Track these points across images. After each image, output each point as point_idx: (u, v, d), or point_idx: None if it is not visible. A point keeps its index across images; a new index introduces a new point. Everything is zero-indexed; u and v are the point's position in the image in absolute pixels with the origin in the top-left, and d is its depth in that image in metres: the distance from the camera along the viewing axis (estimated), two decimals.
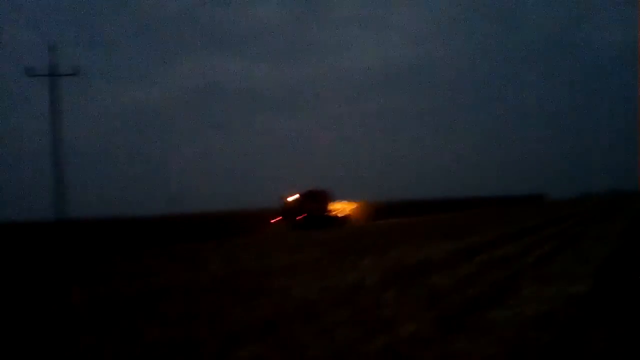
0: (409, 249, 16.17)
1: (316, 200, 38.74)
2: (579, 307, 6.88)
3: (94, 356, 5.72)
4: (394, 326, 6.10)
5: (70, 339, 6.61)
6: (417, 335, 5.67)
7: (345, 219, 40.30)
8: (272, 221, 37.64)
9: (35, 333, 7.12)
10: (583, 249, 14.55)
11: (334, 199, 40.42)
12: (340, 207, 40.99)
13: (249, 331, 6.39)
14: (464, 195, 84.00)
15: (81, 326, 7.51)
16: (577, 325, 5.87)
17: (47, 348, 6.23)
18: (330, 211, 39.64)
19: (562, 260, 12.15)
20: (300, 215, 37.35)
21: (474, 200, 77.94)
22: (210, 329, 6.62)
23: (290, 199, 38.64)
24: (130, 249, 23.61)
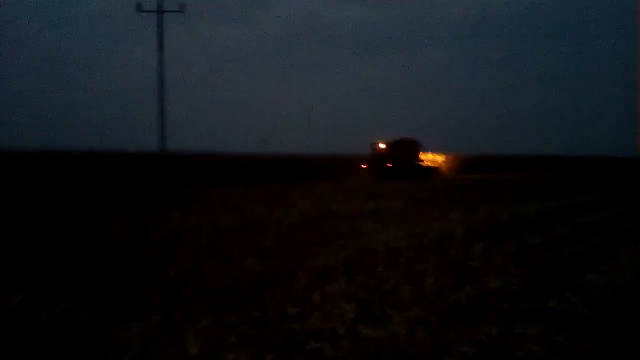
0: (500, 205, 15.78)
1: (406, 149, 38.32)
2: None
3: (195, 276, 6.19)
4: (482, 278, 6.09)
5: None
6: (506, 289, 5.64)
7: (434, 170, 39.68)
8: (362, 166, 37.83)
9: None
10: None
11: (423, 149, 39.83)
12: (430, 158, 40.38)
13: (336, 270, 6.62)
14: (560, 153, 79.60)
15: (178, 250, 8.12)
16: None
17: None
18: (419, 161, 39.16)
19: None
20: (389, 163, 37.21)
21: (568, 159, 73.87)
22: (300, 265, 6.92)
23: (380, 146, 38.48)
24: (224, 184, 24.71)
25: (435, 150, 41.73)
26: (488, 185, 26.71)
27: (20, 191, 20.35)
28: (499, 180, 32.86)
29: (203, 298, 5.29)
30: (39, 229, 10.65)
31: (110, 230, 10.25)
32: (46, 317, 4.68)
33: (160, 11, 22.05)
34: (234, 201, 17.82)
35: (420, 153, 39.45)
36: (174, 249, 8.31)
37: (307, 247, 8.60)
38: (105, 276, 6.28)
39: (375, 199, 17.93)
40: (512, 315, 4.71)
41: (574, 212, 14.06)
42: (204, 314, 4.70)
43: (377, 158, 38.06)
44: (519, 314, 4.76)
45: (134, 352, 3.72)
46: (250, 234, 10.26)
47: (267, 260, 7.34)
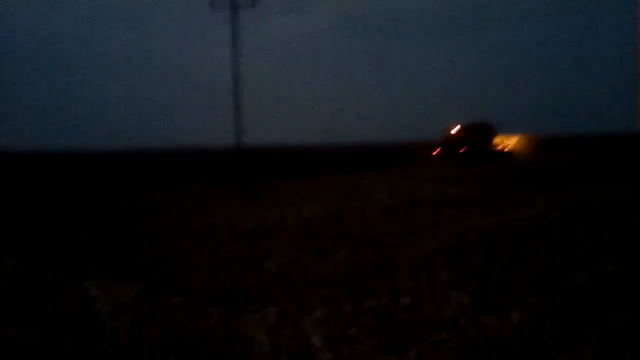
0: (585, 187, 15.09)
1: (479, 133, 37.31)
2: None
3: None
4: (592, 263, 5.84)
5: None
6: (622, 274, 5.38)
7: (509, 153, 38.44)
8: (434, 153, 37.23)
9: None
10: None
11: (497, 132, 38.60)
12: (504, 141, 39.08)
13: (435, 258, 6.53)
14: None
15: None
16: None
17: None
18: (493, 145, 38.05)
19: None
20: (463, 148, 36.40)
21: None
22: (396, 254, 6.89)
23: (453, 131, 37.66)
24: (297, 175, 25.01)
25: (509, 132, 40.30)
26: (567, 167, 25.62)
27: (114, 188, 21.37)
28: (578, 161, 31.45)
29: (310, 289, 5.35)
30: (134, 224, 11.15)
31: (200, 224, 10.59)
32: (164, 311, 4.85)
33: (233, 7, 22.45)
34: (311, 192, 17.96)
35: (494, 136, 38.29)
36: (267, 241, 8.47)
37: (395, 236, 8.54)
38: (210, 270, 6.48)
39: (454, 185, 17.57)
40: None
41: None
42: (316, 305, 4.74)
43: (451, 143, 37.35)
44: None
45: (262, 345, 3.80)
46: (335, 224, 10.30)
47: (359, 251, 7.35)
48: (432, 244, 7.51)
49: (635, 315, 4.16)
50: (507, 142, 39.43)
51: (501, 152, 38.06)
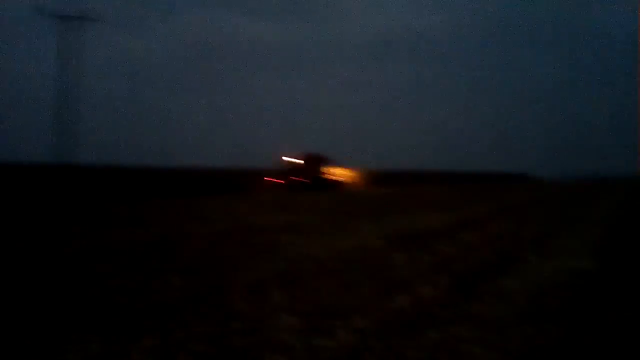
0: (407, 217, 16.47)
1: (313, 163, 39.03)
2: None
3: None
4: (409, 286, 6.38)
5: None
6: (437, 297, 5.96)
7: (341, 184, 40.63)
8: (267, 180, 37.87)
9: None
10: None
11: (331, 163, 40.67)
12: (337, 173, 41.27)
13: (270, 283, 6.64)
14: (455, 169, 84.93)
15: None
16: None
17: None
18: (327, 175, 39.94)
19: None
20: (298, 176, 37.67)
21: (462, 175, 78.79)
22: (231, 279, 6.87)
23: (287, 160, 38.85)
24: (134, 198, 23.73)
25: (342, 164, 42.67)
26: (395, 199, 27.73)
27: None
28: (405, 194, 34.26)
29: (139, 316, 5.11)
30: None
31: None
32: None
33: (61, 17, 20.89)
34: (143, 215, 17.19)
35: (328, 167, 40.25)
36: (94, 265, 7.92)
37: (232, 261, 8.53)
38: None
39: (288, 212, 18.06)
40: (449, 320, 5.00)
41: (476, 223, 15.01)
42: (145, 333, 4.55)
43: (286, 172, 38.40)
44: (452, 319, 5.05)
45: None
46: (167, 250, 9.98)
47: (193, 276, 7.21)
48: (267, 270, 7.63)
49: (447, 332, 4.64)
50: (341, 173, 41.75)
51: (334, 182, 40.10)
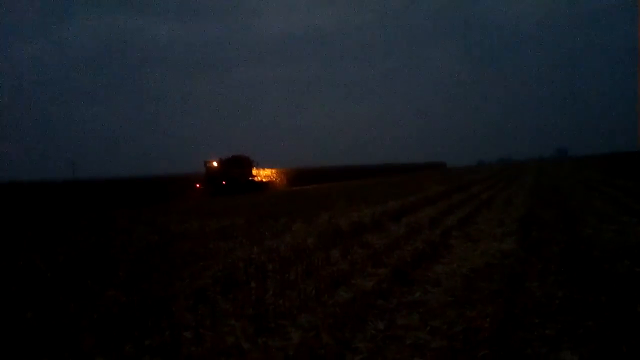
0: (335, 213, 16.76)
1: (239, 165, 39.01)
2: None
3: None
4: (350, 280, 6.59)
5: None
6: (377, 288, 6.19)
7: (266, 184, 41.05)
8: (197, 186, 37.57)
9: None
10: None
11: (255, 164, 40.80)
12: (261, 173, 41.56)
13: (211, 290, 6.64)
14: (372, 162, 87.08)
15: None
16: None
17: None
18: (252, 176, 40.11)
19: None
20: (224, 180, 37.49)
21: (381, 167, 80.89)
22: (169, 289, 6.79)
23: (213, 164, 38.52)
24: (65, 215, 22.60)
25: (265, 165, 42.93)
26: (321, 195, 28.07)
27: None
28: (327, 190, 34.70)
29: (82, 334, 4.98)
30: None
31: None
32: None
33: None
34: (63, 231, 16.44)
35: (253, 169, 40.39)
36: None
37: (166, 271, 8.40)
38: None
39: (217, 218, 17.87)
40: (390, 310, 5.23)
41: (401, 214, 15.53)
42: (93, 351, 4.46)
43: (212, 176, 38.13)
44: (394, 309, 5.30)
45: None
46: (99, 263, 9.67)
47: (129, 289, 7.05)
48: (206, 276, 7.59)
49: (393, 321, 4.86)
50: (265, 173, 42.06)
51: (260, 183, 40.34)
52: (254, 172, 40.62)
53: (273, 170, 44.50)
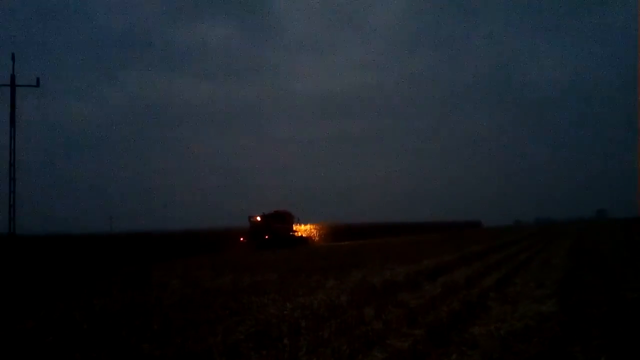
0: (370, 270, 16.58)
1: (281, 220, 39.88)
2: None
3: None
4: (385, 340, 6.48)
5: None
6: (412, 349, 6.07)
7: (306, 239, 41.87)
8: (242, 239, 38.53)
9: None
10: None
11: (296, 220, 41.60)
12: (302, 228, 42.37)
13: (244, 346, 6.61)
14: (407, 220, 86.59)
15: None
16: None
17: None
18: (293, 231, 40.94)
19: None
20: (266, 234, 38.37)
21: (417, 225, 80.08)
22: (200, 346, 6.79)
23: (256, 219, 39.47)
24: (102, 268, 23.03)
25: (306, 220, 43.73)
26: (356, 252, 27.88)
27: None
28: (361, 247, 34.46)
29: None
30: None
31: None
32: None
33: (13, 85, 20.58)
34: (97, 286, 16.68)
35: (293, 224, 41.26)
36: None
37: (201, 325, 8.41)
38: None
39: (250, 273, 17.89)
40: None
41: (437, 273, 15.26)
42: None
43: (255, 230, 39.00)
44: None
45: None
46: (133, 318, 9.74)
47: (163, 342, 7.08)
48: (239, 331, 7.57)
49: None
50: (305, 229, 42.73)
51: (300, 238, 41.02)
52: (295, 227, 41.41)
53: (311, 226, 45.07)
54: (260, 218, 39.45)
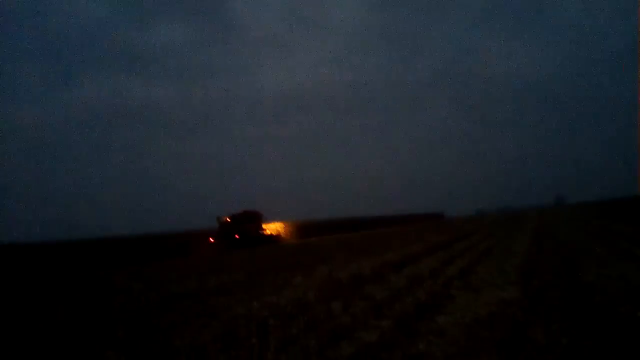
0: (336, 266, 16.64)
1: (249, 220, 39.83)
2: None
3: None
4: (353, 333, 6.51)
5: None
6: (380, 341, 6.12)
7: (275, 237, 41.97)
8: (211, 240, 38.42)
9: None
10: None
11: (264, 219, 41.63)
12: (271, 227, 42.44)
13: (211, 348, 6.54)
14: (371, 214, 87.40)
15: None
16: None
17: None
18: (262, 230, 41.01)
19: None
20: (235, 234, 38.31)
21: (381, 218, 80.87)
22: (169, 347, 6.69)
23: (225, 219, 39.34)
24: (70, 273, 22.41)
25: (273, 219, 43.79)
26: (322, 248, 27.95)
27: None
28: (327, 243, 34.56)
29: None
30: None
31: None
32: None
33: None
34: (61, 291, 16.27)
35: (262, 223, 41.29)
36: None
37: (167, 330, 8.29)
38: None
39: (216, 274, 17.72)
40: None
41: (402, 265, 15.43)
42: None
43: (224, 231, 38.86)
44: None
45: None
46: (97, 322, 9.56)
47: (128, 349, 6.96)
48: (206, 333, 7.49)
49: None
50: (275, 227, 42.81)
51: (269, 237, 41.10)
52: (264, 226, 41.48)
53: (279, 224, 45.29)
54: (229, 218, 39.36)
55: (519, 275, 11.31)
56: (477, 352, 5.41)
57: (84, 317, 10.41)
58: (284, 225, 45.23)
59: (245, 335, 7.03)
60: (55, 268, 26.10)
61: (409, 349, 5.75)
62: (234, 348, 6.41)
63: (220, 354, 6.09)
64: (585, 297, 8.26)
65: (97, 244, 36.95)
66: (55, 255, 31.29)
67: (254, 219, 40.75)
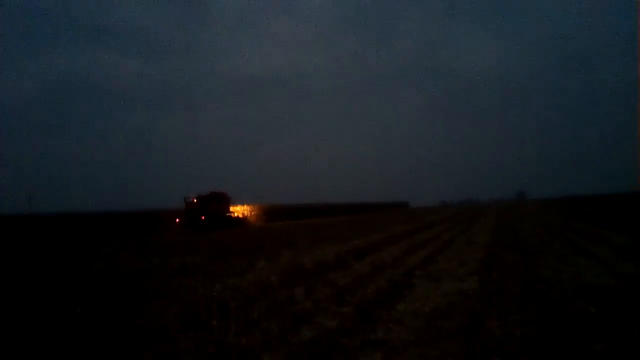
0: (300, 251, 16.70)
1: (217, 201, 39.39)
2: None
3: None
4: (314, 319, 6.56)
5: None
6: (341, 327, 6.18)
7: (242, 220, 41.74)
8: (177, 220, 37.93)
9: None
10: None
11: (232, 201, 41.34)
12: (238, 209, 42.14)
13: (174, 326, 6.49)
14: (337, 201, 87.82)
15: None
16: None
17: None
18: (229, 212, 40.65)
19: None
20: (202, 215, 37.87)
21: (347, 205, 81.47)
22: (132, 325, 6.62)
23: (192, 200, 38.76)
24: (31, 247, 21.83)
25: (241, 201, 43.53)
26: (288, 232, 27.96)
27: None
28: (292, 228, 34.61)
29: None
30: None
31: None
32: None
33: None
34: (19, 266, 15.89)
35: (229, 205, 40.94)
36: None
37: (127, 309, 8.19)
38: None
39: (179, 255, 17.57)
40: (354, 349, 5.23)
41: (365, 253, 15.58)
42: None
43: (191, 212, 38.34)
44: (358, 347, 5.30)
45: None
46: (54, 299, 9.38)
47: (86, 327, 6.86)
48: (167, 314, 7.43)
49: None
50: (242, 209, 42.52)
51: (236, 219, 40.82)
52: (231, 208, 41.11)
53: (247, 207, 45.07)
54: (197, 199, 38.85)
55: (479, 267, 11.56)
56: (435, 341, 5.52)
57: (42, 294, 10.20)
58: (251, 208, 45.05)
59: (206, 317, 7.01)
60: (14, 244, 25.46)
61: (368, 335, 5.83)
62: (194, 329, 6.38)
63: (181, 335, 6.06)
64: (541, 290, 8.50)
65: (57, 220, 36.11)
66: (14, 230, 30.49)
67: (221, 201, 40.39)
